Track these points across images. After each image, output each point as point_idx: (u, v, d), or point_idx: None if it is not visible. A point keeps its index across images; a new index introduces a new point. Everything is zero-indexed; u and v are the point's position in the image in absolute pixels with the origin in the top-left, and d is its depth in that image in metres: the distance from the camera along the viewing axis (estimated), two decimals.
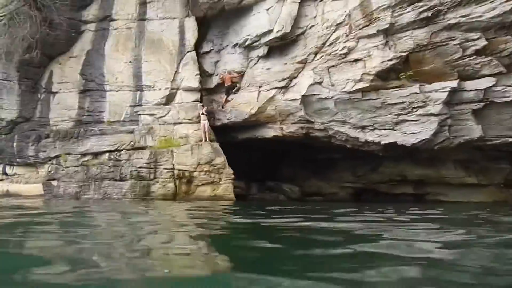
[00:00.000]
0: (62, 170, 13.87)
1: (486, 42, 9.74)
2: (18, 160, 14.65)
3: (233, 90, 13.77)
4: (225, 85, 13.76)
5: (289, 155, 17.01)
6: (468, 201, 13.06)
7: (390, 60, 10.70)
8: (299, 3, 12.03)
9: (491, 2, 9.25)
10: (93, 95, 14.64)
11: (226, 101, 13.91)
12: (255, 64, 13.34)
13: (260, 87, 13.18)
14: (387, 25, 10.41)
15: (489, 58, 9.89)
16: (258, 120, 13.57)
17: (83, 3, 15.08)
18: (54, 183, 13.85)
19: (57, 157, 14.16)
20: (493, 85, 10.14)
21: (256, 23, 12.80)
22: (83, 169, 13.56)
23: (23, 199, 13.09)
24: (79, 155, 13.96)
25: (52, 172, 14.10)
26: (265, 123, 13.66)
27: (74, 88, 14.75)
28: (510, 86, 10.01)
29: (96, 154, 13.88)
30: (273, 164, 17.61)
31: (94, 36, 14.89)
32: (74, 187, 13.32)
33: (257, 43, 12.94)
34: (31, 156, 14.50)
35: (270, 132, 13.75)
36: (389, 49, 10.66)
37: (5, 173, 14.94)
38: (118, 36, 14.72)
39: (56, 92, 14.93)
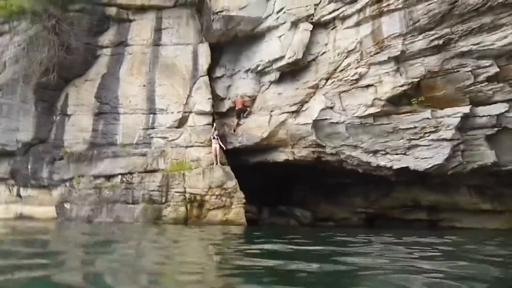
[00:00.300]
0: (75, 193, 14.06)
1: (498, 69, 9.88)
2: (32, 182, 14.90)
3: (245, 114, 14.03)
4: (236, 108, 14.02)
5: (300, 179, 17.03)
6: (483, 227, 12.90)
7: (402, 86, 10.85)
8: (311, 31, 12.35)
9: (502, 30, 9.41)
10: (107, 117, 14.98)
11: (238, 124, 14.15)
12: (267, 88, 13.62)
13: (271, 111, 13.40)
14: (398, 52, 10.62)
15: (501, 84, 10.00)
16: (269, 144, 13.71)
17: (100, 29, 15.62)
18: (67, 205, 14.04)
19: (70, 179, 14.37)
20: (506, 111, 10.18)
21: (269, 50, 13.15)
22: (95, 192, 13.73)
23: (35, 222, 13.27)
24: (92, 178, 14.15)
25: (65, 194, 14.30)
26: (276, 147, 13.79)
27: (88, 111, 15.12)
28: None
29: (109, 177, 14.05)
30: (284, 188, 17.63)
31: (110, 60, 15.38)
32: (87, 210, 13.47)
33: (269, 69, 13.26)
34: (45, 178, 14.74)
35: (281, 156, 13.86)
36: (400, 75, 10.83)
37: (19, 195, 15.19)
38: (133, 60, 15.18)
39: (71, 115, 15.30)
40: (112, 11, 15.39)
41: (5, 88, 14.84)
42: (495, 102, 10.27)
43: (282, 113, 13.11)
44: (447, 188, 13.28)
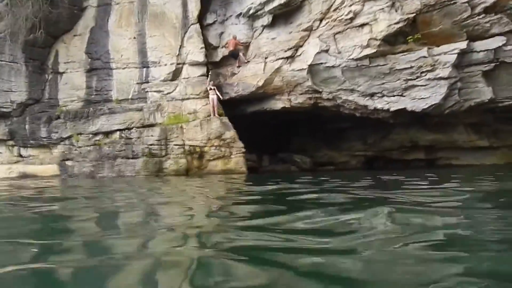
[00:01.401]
0: (75, 150, 14.38)
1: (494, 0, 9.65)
2: (31, 141, 15.16)
3: (239, 57, 13.80)
4: (229, 49, 13.78)
5: (298, 127, 17.19)
6: (481, 163, 13.22)
7: (397, 23, 10.68)
8: None
9: None
10: (99, 73, 14.93)
11: (242, 63, 13.90)
12: (260, 34, 13.37)
13: (266, 58, 13.25)
14: None
15: (499, 16, 9.84)
16: (265, 92, 13.71)
17: None
18: (69, 163, 14.41)
19: (69, 137, 14.62)
20: (503, 45, 10.10)
21: None
22: (95, 148, 14.05)
23: (39, 180, 13.71)
24: (91, 135, 14.39)
25: (65, 152, 14.62)
26: (273, 95, 13.80)
27: (80, 68, 15.06)
28: None
29: (107, 133, 14.27)
30: (283, 136, 17.86)
31: (97, 12, 15.02)
32: (89, 166, 13.87)
33: (261, 12, 12.91)
34: (43, 137, 14.98)
35: (278, 104, 13.91)
36: (396, 11, 10.62)
37: (20, 155, 15.53)
38: (120, 11, 14.81)
39: (63, 72, 15.26)
40: None
41: None
42: (493, 36, 10.14)
43: (277, 59, 12.97)
44: (445, 127, 13.44)
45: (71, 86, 15.13)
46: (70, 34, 15.23)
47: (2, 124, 15.25)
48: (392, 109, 11.95)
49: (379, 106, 12.17)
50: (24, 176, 15.10)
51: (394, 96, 11.85)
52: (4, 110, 14.88)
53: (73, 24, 15.19)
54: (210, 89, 13.54)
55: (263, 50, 13.28)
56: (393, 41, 11.07)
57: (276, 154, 16.83)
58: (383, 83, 11.71)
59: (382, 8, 10.71)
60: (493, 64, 10.43)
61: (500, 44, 10.09)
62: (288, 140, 17.86)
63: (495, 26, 9.94)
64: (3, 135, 15.31)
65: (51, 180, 12.58)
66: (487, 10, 9.82)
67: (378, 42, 11.00)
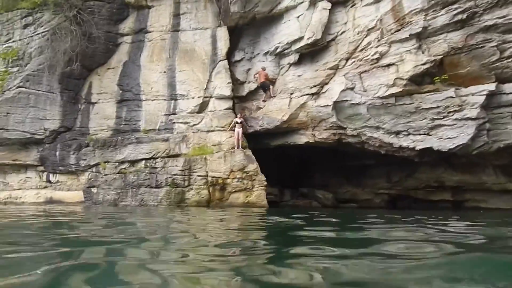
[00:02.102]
0: (101, 177, 14.67)
1: None
2: (60, 168, 15.60)
3: (270, 88, 13.99)
4: (259, 82, 14.05)
5: (321, 162, 17.15)
6: (511, 207, 12.75)
7: (424, 64, 10.73)
8: (330, 9, 12.30)
9: None
10: (129, 104, 15.47)
11: (268, 97, 14.13)
12: (286, 71, 13.70)
13: (291, 94, 13.50)
14: (420, 29, 10.48)
15: None
16: (290, 127, 13.86)
17: (120, 16, 16.00)
18: (94, 190, 14.67)
19: (96, 165, 14.98)
20: None
21: (287, 31, 13.19)
22: (121, 177, 14.28)
23: (65, 206, 14.01)
24: (117, 163, 14.72)
25: (92, 179, 14.92)
26: (297, 130, 13.93)
27: (112, 98, 15.65)
28: None
29: (133, 162, 14.59)
30: (306, 171, 17.82)
31: (130, 48, 15.79)
32: (113, 194, 14.06)
33: (288, 51, 13.32)
34: (72, 164, 15.38)
35: (302, 138, 13.99)
36: (423, 53, 10.71)
37: (48, 181, 15.97)
38: (153, 47, 15.53)
39: (95, 103, 15.86)
40: None
41: (32, 78, 15.43)
42: None
43: (302, 95, 13.19)
44: (473, 168, 13.14)
45: (102, 116, 15.67)
46: (104, 67, 15.98)
47: (34, 150, 15.80)
48: (418, 147, 11.81)
49: (404, 144, 12.06)
50: (50, 201, 15.46)
51: (420, 134, 11.74)
52: (38, 137, 15.44)
53: (108, 58, 15.96)
54: (237, 122, 13.76)
55: (289, 86, 13.55)
56: (420, 81, 11.10)
57: (298, 189, 16.73)
58: (409, 122, 11.66)
59: (409, 50, 10.83)
60: None
61: None
62: (310, 175, 17.78)
63: None
64: (34, 161, 15.83)
65: (76, 206, 12.87)
66: None
67: (404, 82, 11.05)
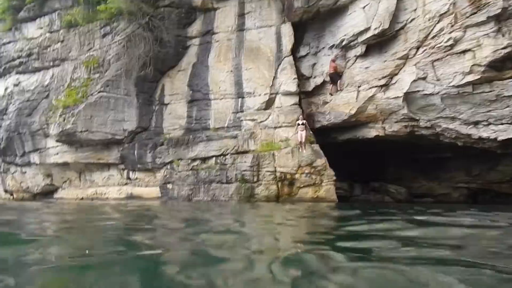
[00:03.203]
0: (176, 174, 15.71)
1: None
2: (138, 166, 16.91)
3: (339, 80, 13.94)
4: (328, 73, 14.02)
5: (393, 155, 16.73)
6: None
7: (505, 48, 10.06)
8: None
9: None
10: (199, 104, 16.35)
11: (337, 90, 14.06)
12: (353, 64, 13.59)
13: (359, 86, 13.37)
14: (499, 10, 9.83)
15: None
16: (358, 121, 13.76)
17: (188, 20, 16.91)
18: (169, 186, 15.78)
19: (171, 162, 16.02)
20: None
21: (353, 22, 13.05)
22: (193, 173, 15.19)
23: (144, 201, 15.27)
24: (190, 160, 15.63)
25: (167, 176, 16.02)
26: (366, 123, 13.79)
27: (183, 99, 16.66)
28: None
29: (204, 159, 15.40)
30: (377, 165, 17.49)
31: (199, 50, 16.65)
32: (186, 190, 15.02)
33: (354, 43, 13.18)
34: (149, 162, 16.58)
35: (371, 132, 13.83)
36: (503, 36, 10.06)
37: (128, 178, 17.42)
38: (220, 47, 16.24)
39: (168, 104, 16.97)
40: (198, 1, 16.48)
41: (111, 83, 16.85)
42: None
43: (370, 87, 13.01)
44: None
45: (174, 116, 16.74)
46: (175, 70, 17.03)
47: (115, 150, 17.30)
48: (500, 138, 11.18)
49: (484, 135, 11.48)
50: (131, 197, 16.90)
51: (502, 124, 11.10)
52: (118, 137, 16.87)
53: (178, 61, 16.99)
54: (299, 124, 13.83)
55: (356, 79, 13.43)
56: (500, 66, 10.43)
57: (369, 183, 16.51)
58: (489, 111, 11.06)
59: (487, 34, 10.23)
60: None
61: None
62: (382, 169, 17.42)
63: None
64: (116, 160, 17.35)
65: (155, 202, 13.99)
66: None
67: (482, 68, 10.48)
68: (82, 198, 17.90)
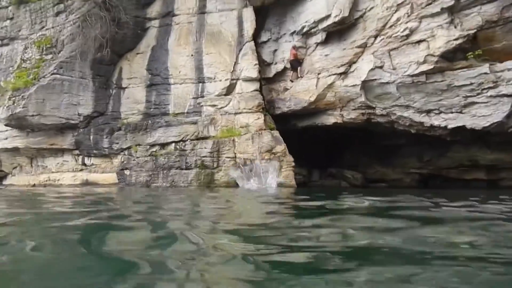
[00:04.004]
0: (133, 160, 15.26)
1: None
2: (94, 151, 16.26)
3: (299, 67, 13.93)
4: (289, 59, 13.98)
5: (351, 142, 17.09)
6: None
7: (456, 39, 10.41)
8: None
9: None
10: (158, 88, 15.86)
11: (297, 77, 14.06)
12: (313, 51, 13.61)
13: (319, 74, 13.44)
14: (452, 2, 10.13)
15: None
16: (317, 108, 13.86)
17: (147, 1, 16.28)
18: (127, 172, 15.31)
19: (128, 148, 15.52)
20: None
21: (314, 9, 13.02)
22: (152, 159, 14.81)
23: (100, 187, 14.75)
24: (148, 146, 15.20)
25: (124, 162, 15.52)
26: (324, 110, 13.91)
27: (141, 83, 16.09)
28: None
29: (163, 145, 15.03)
30: (335, 151, 17.81)
31: (158, 32, 16.08)
32: (145, 176, 14.65)
33: (314, 30, 13.18)
34: (105, 148, 15.98)
35: (330, 119, 13.99)
36: (455, 27, 10.40)
37: (84, 164, 16.74)
38: (180, 30, 15.75)
39: (126, 88, 16.35)
40: None
41: (65, 65, 15.98)
42: None
43: (330, 75, 13.11)
44: (508, 146, 12.78)
45: (132, 100, 16.17)
46: (133, 52, 16.39)
47: (70, 135, 16.53)
48: (450, 126, 11.59)
49: (436, 123, 11.87)
50: (86, 183, 16.27)
51: (452, 113, 11.51)
52: (72, 122, 16.11)
53: (136, 43, 16.35)
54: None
55: (316, 67, 13.49)
56: (452, 57, 10.80)
57: (327, 169, 16.80)
58: (440, 100, 11.42)
59: (441, 25, 10.53)
60: None
61: None
62: (339, 155, 17.77)
63: None
64: (70, 145, 16.59)
65: (112, 188, 13.54)
66: None
67: (435, 59, 10.79)
68: (34, 185, 17.03)
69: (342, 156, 17.69)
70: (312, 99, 13.54)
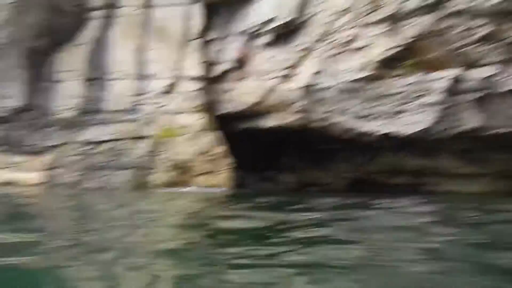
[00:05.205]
0: (65, 158, 12.97)
1: (491, 29, 8.96)
2: (23, 148, 13.68)
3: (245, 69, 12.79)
4: (235, 59, 12.92)
5: (289, 146, 16.15)
6: (467, 191, 12.21)
7: (394, 48, 9.94)
8: None
9: None
10: (97, 83, 13.69)
11: (241, 77, 12.90)
12: (259, 52, 12.49)
13: (262, 76, 12.34)
14: (392, 12, 9.61)
15: (494, 45, 9.13)
16: (259, 110, 12.71)
17: None
18: (56, 171, 12.93)
19: (59, 145, 13.26)
20: (497, 74, 9.38)
21: (261, 10, 11.99)
22: (84, 158, 12.68)
23: (23, 187, 12.29)
24: (81, 144, 13.06)
25: (54, 160, 13.15)
26: (266, 113, 12.78)
27: (79, 77, 13.79)
28: None
29: (97, 143, 12.98)
30: (274, 154, 16.74)
31: (100, 24, 13.88)
32: (75, 176, 12.46)
33: (261, 31, 12.10)
34: (35, 144, 13.57)
35: (270, 122, 12.88)
36: (394, 36, 9.87)
37: (10, 161, 13.90)
38: (124, 23, 13.70)
39: (61, 81, 13.97)
40: None
41: None
42: (487, 64, 9.44)
43: (273, 78, 12.07)
44: (432, 153, 12.57)
45: (68, 95, 13.79)
46: (72, 44, 14.05)
47: None
48: (378, 133, 11.05)
49: (368, 129, 11.27)
50: (8, 183, 13.46)
51: (383, 119, 10.97)
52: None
53: (76, 34, 14.05)
54: None
55: (260, 68, 12.39)
56: (389, 65, 10.28)
57: (263, 172, 15.72)
58: (374, 106, 10.88)
59: (381, 33, 9.95)
60: (484, 92, 9.65)
61: (493, 73, 9.37)
62: (277, 159, 16.73)
63: (490, 55, 9.26)
64: None
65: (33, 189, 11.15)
66: (483, 39, 9.12)
67: (374, 66, 10.22)
68: None
69: (280, 159, 16.67)
70: (255, 101, 12.43)
